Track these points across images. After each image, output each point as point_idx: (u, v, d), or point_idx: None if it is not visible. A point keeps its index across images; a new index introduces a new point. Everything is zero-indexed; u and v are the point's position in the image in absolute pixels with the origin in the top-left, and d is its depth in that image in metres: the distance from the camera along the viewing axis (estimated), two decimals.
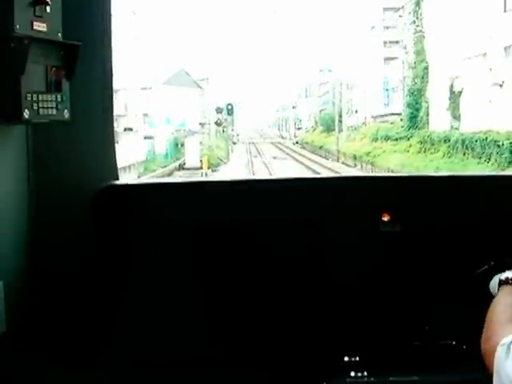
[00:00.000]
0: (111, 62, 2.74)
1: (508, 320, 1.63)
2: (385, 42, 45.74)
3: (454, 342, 2.55)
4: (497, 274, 2.58)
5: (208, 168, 31.24)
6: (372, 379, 2.49)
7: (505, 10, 26.57)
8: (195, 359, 2.60)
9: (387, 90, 43.55)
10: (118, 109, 39.54)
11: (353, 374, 2.50)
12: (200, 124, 47.91)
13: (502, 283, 1.91)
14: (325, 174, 28.02)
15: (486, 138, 25.27)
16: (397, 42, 42.06)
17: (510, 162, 23.32)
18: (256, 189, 2.82)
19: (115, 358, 2.60)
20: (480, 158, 25.59)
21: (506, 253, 2.62)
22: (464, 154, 27.04)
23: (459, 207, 2.70)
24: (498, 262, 2.61)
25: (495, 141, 24.53)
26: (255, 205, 2.71)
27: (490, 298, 2.21)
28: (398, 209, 2.67)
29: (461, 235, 2.67)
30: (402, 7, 37.49)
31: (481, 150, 25.66)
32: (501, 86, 26.24)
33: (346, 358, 2.53)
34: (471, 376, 2.41)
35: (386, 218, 2.67)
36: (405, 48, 38.02)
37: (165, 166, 32.64)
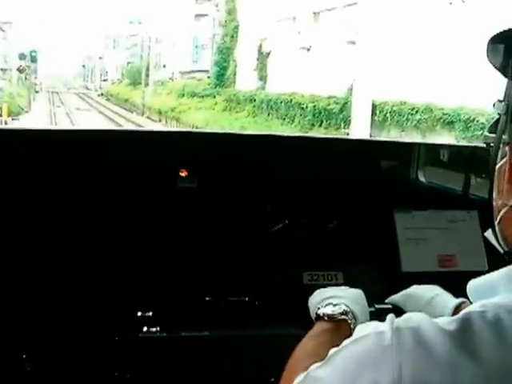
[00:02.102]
0: None
1: (311, 355, 1.55)
2: None
3: (246, 298, 2.54)
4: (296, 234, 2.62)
5: (8, 116, 30.21)
6: (164, 334, 2.43)
7: None
8: None
9: (196, 46, 43.83)
10: None
11: (145, 329, 2.43)
12: (1, 70, 46.16)
13: (317, 318, 1.83)
14: (128, 127, 27.88)
15: (291, 100, 25.97)
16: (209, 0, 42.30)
17: (312, 125, 24.10)
18: (55, 139, 2.64)
19: None
20: (284, 119, 26.29)
21: (299, 212, 2.66)
22: (268, 115, 27.71)
23: (258, 166, 2.68)
24: (292, 220, 2.64)
25: (299, 103, 25.25)
26: (52, 155, 2.53)
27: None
28: (194, 164, 2.62)
29: (257, 193, 2.64)
30: None
31: (285, 111, 26.36)
32: (308, 50, 26.98)
33: (139, 313, 2.45)
34: (262, 331, 2.42)
35: (183, 174, 2.61)
36: (216, 6, 38.28)
37: None
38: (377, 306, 2.04)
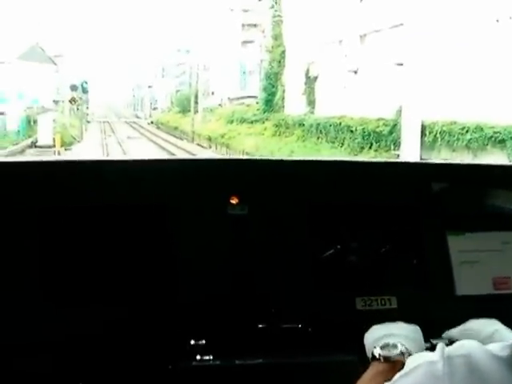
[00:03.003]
0: None
1: None
2: (243, 25, 46.17)
3: (299, 325, 2.52)
4: (346, 260, 2.60)
5: (61, 146, 30.72)
6: (218, 362, 2.42)
7: (361, 0, 27.24)
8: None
9: (244, 72, 44.05)
10: None
11: (198, 357, 2.42)
12: (54, 101, 46.90)
13: (373, 359, 1.81)
14: (179, 155, 28.12)
15: (340, 123, 25.88)
16: (255, 26, 42.54)
17: (362, 148, 23.98)
18: (107, 169, 2.67)
19: None
20: (333, 142, 26.20)
21: (351, 237, 2.64)
22: (318, 138, 27.64)
23: (308, 191, 2.67)
24: (344, 246, 2.62)
25: (348, 126, 25.15)
26: (106, 185, 2.56)
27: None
28: (245, 192, 2.63)
29: (308, 219, 2.63)
30: None
31: (334, 134, 26.28)
32: (355, 72, 26.92)
33: (192, 342, 2.45)
34: (316, 359, 2.40)
35: (233, 201, 2.62)
36: (263, 32, 38.45)
37: (16, 143, 31.79)
38: (433, 342, 2.02)
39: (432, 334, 2.04)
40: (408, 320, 2.02)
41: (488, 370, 1.09)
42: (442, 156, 19.98)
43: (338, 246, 2.62)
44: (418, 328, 1.89)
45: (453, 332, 2.05)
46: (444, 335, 2.07)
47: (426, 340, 1.91)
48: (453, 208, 2.75)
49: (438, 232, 2.67)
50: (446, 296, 2.58)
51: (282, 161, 2.98)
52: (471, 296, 2.58)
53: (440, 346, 1.17)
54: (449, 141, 20.12)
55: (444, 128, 20.30)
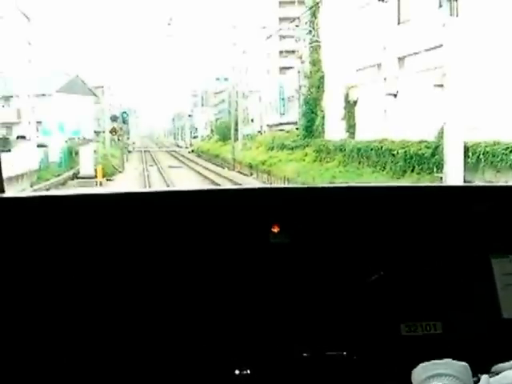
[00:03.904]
0: None
1: None
2: (281, 52, 46.49)
3: (344, 353, 2.49)
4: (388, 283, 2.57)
5: (103, 177, 31.02)
6: None
7: (398, 23, 27.21)
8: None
9: (283, 99, 44.19)
10: (10, 116, 38.80)
11: None
12: (95, 132, 47.48)
13: None
14: (221, 183, 28.24)
15: (381, 147, 25.75)
16: (293, 52, 42.73)
17: (404, 171, 23.82)
18: (147, 200, 2.69)
19: None
20: (375, 166, 26.05)
21: (395, 262, 2.62)
22: (359, 163, 27.53)
23: (350, 217, 2.66)
24: (387, 271, 2.60)
25: (390, 150, 25.00)
26: (147, 216, 2.58)
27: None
28: (287, 220, 2.62)
29: (350, 245, 2.62)
30: (299, 17, 38.00)
31: (376, 158, 26.14)
32: (395, 95, 26.82)
33: (237, 371, 2.43)
34: None
35: (275, 230, 2.61)
36: (301, 58, 38.56)
37: (58, 175, 32.18)
38: (481, 377, 1.98)
39: (478, 359, 2.00)
40: (453, 345, 1.98)
41: None
42: (486, 177, 19.76)
43: (382, 272, 2.61)
44: (466, 365, 1.84)
45: (503, 366, 2.01)
46: (493, 369, 2.02)
47: (474, 375, 1.87)
48: (496, 231, 2.71)
49: (482, 255, 2.64)
50: (491, 320, 2.54)
51: (323, 188, 2.97)
52: None
53: (484, 378, 1.15)
54: (492, 161, 19.90)
55: (487, 149, 20.09)
